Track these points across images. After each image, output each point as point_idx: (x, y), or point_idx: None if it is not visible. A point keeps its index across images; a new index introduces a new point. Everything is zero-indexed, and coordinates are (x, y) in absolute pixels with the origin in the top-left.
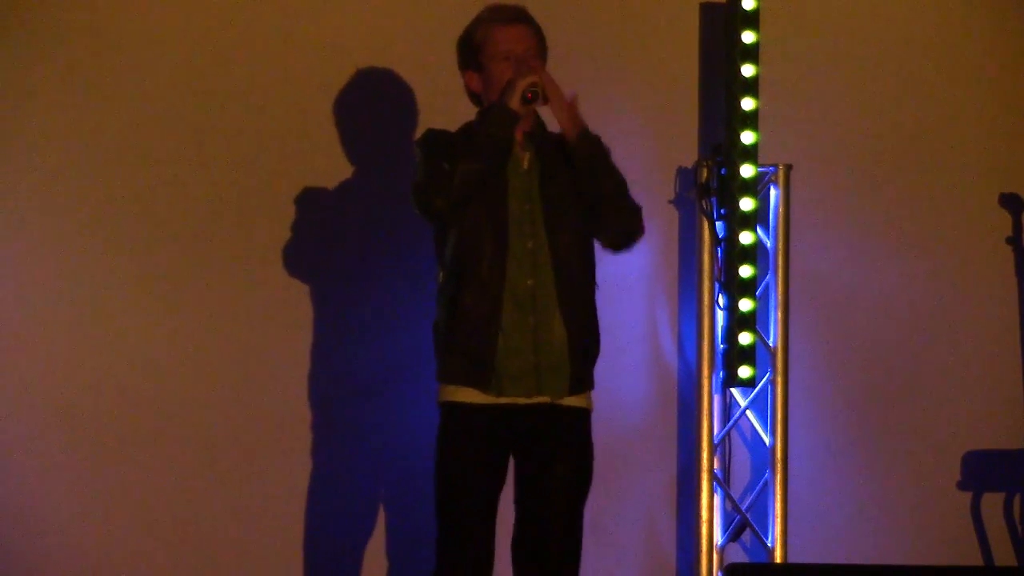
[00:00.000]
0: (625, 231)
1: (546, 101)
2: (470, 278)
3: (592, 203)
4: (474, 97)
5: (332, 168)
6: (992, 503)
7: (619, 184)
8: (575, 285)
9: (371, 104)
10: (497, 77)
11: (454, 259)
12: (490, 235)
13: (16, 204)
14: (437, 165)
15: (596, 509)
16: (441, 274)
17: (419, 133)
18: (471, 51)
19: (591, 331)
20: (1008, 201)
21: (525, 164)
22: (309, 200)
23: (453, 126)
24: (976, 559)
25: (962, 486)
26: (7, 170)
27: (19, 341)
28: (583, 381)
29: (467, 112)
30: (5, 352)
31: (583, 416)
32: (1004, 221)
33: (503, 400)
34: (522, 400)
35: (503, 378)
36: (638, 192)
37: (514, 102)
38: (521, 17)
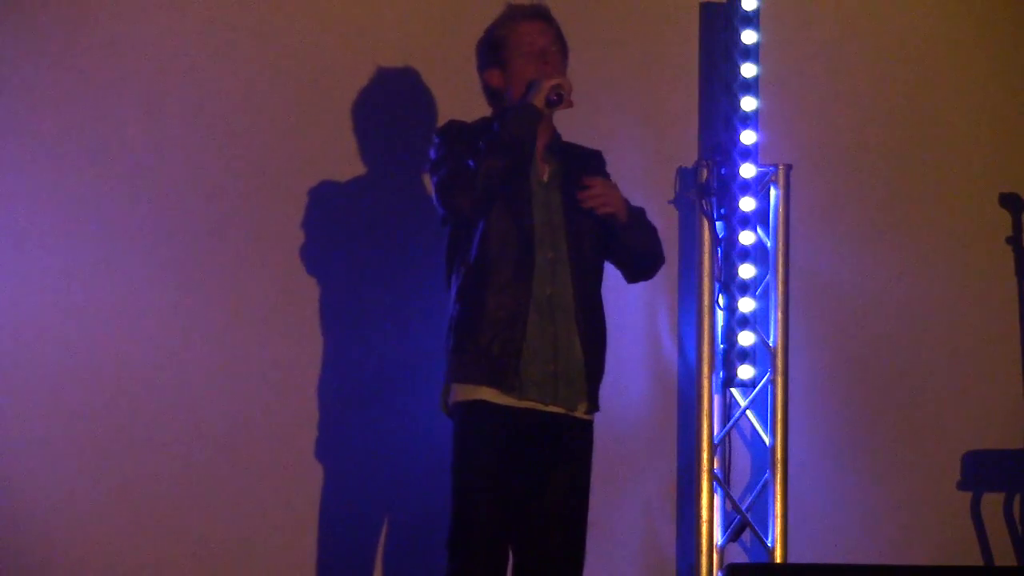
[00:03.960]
0: (653, 269)
1: (570, 104)
2: (494, 282)
3: (640, 256)
4: (493, 96)
5: (342, 169)
6: (992, 503)
7: (655, 238)
8: (592, 299)
9: (382, 104)
10: (520, 70)
11: (477, 262)
12: (516, 243)
13: (22, 201)
14: (461, 162)
15: (596, 509)
16: (463, 274)
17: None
18: (493, 48)
19: (604, 349)
20: (1008, 201)
21: (546, 176)
22: (318, 201)
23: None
24: (976, 559)
25: (962, 486)
26: (13, 167)
27: (24, 340)
28: (595, 401)
29: (481, 112)
30: (11, 350)
31: (590, 427)
32: (1004, 221)
33: (524, 404)
34: (540, 406)
35: (526, 382)
36: (638, 192)
37: (538, 100)
38: (542, 14)
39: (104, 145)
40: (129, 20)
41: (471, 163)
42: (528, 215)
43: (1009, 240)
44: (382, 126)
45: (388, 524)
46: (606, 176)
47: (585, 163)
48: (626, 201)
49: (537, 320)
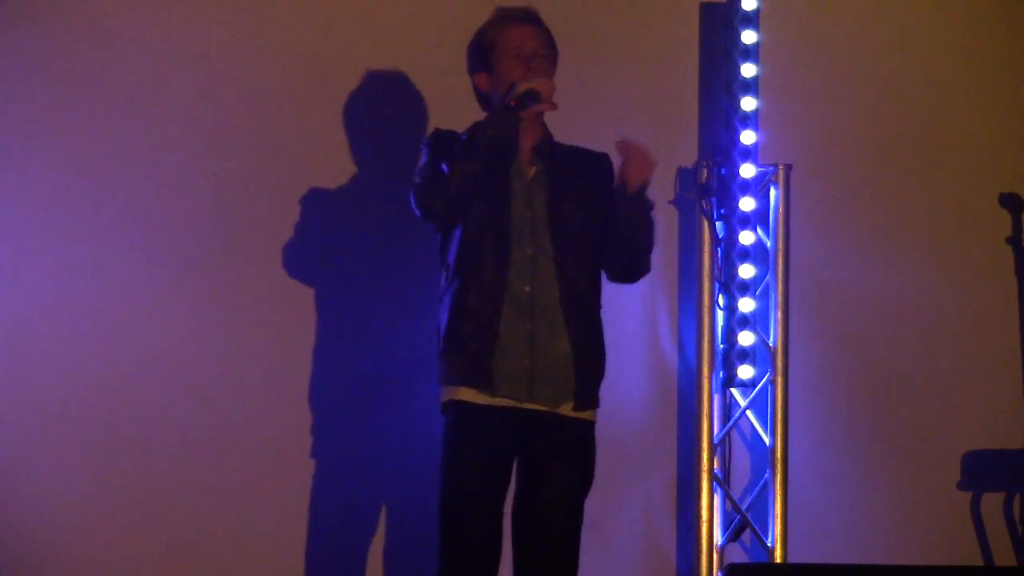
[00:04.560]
0: (638, 273)
1: (553, 107)
2: (472, 281)
3: (621, 248)
4: (483, 99)
5: (336, 170)
6: (992, 503)
7: (651, 239)
8: (581, 297)
9: (376, 106)
10: (506, 74)
11: (457, 262)
12: (492, 241)
13: (18, 202)
14: (437, 167)
15: (596, 509)
16: (445, 275)
17: (425, 135)
18: (482, 51)
19: (597, 348)
20: (1008, 201)
21: (529, 176)
22: (312, 202)
23: (460, 128)
24: (976, 559)
25: (962, 486)
26: (10, 168)
27: (23, 340)
28: (589, 399)
29: (474, 115)
30: (9, 350)
31: (586, 427)
32: (1004, 221)
33: (502, 402)
34: (518, 404)
35: (497, 378)
36: None
37: (512, 102)
38: (531, 18)
39: (101, 146)
40: (128, 23)
41: (444, 167)
42: (506, 213)
43: (1009, 240)
44: (378, 129)
45: (380, 524)
46: (611, 179)
47: (586, 165)
48: (645, 183)
49: (512, 317)
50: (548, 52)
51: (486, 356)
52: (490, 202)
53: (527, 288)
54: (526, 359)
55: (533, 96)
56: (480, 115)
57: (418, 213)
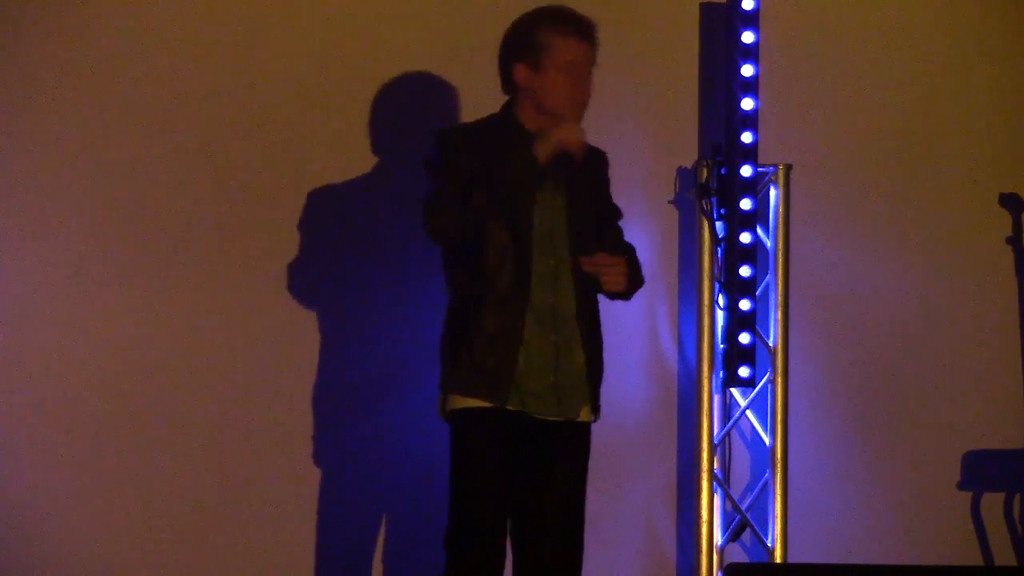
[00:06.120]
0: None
1: (577, 163)
2: (491, 293)
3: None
4: (512, 87)
5: (336, 171)
6: (992, 503)
7: (638, 281)
8: (592, 305)
9: (382, 103)
10: (552, 84)
11: (476, 273)
12: (513, 252)
13: (16, 204)
14: (455, 183)
15: (596, 509)
16: (461, 284)
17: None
18: (531, 46)
19: (601, 354)
20: (1008, 201)
21: (548, 184)
22: (313, 204)
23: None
24: (976, 559)
25: (962, 486)
26: (9, 169)
27: (21, 342)
28: (598, 404)
29: (477, 113)
30: (8, 350)
31: (588, 428)
32: (1004, 221)
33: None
34: (540, 416)
35: (525, 395)
36: (638, 192)
37: (543, 154)
38: (590, 34)
39: (102, 146)
40: (128, 20)
41: (464, 179)
42: (527, 223)
43: (1009, 240)
44: (381, 127)
45: (386, 526)
46: (606, 180)
47: (591, 165)
48: (626, 264)
49: (537, 331)
50: (592, 70)
51: (507, 374)
52: (511, 212)
53: (551, 300)
54: (551, 374)
55: (566, 157)
56: (501, 98)
57: (429, 236)
